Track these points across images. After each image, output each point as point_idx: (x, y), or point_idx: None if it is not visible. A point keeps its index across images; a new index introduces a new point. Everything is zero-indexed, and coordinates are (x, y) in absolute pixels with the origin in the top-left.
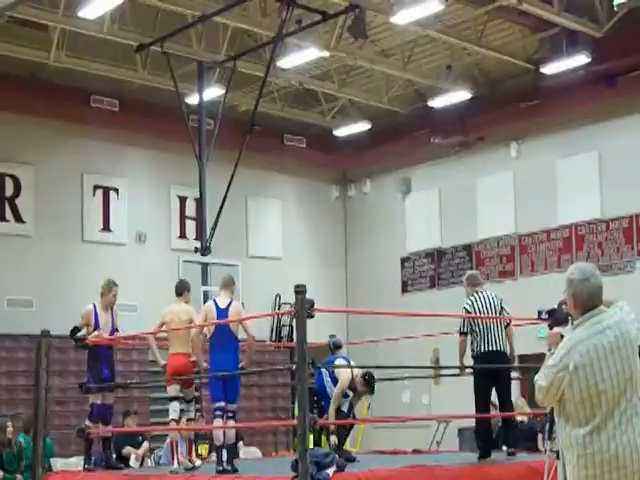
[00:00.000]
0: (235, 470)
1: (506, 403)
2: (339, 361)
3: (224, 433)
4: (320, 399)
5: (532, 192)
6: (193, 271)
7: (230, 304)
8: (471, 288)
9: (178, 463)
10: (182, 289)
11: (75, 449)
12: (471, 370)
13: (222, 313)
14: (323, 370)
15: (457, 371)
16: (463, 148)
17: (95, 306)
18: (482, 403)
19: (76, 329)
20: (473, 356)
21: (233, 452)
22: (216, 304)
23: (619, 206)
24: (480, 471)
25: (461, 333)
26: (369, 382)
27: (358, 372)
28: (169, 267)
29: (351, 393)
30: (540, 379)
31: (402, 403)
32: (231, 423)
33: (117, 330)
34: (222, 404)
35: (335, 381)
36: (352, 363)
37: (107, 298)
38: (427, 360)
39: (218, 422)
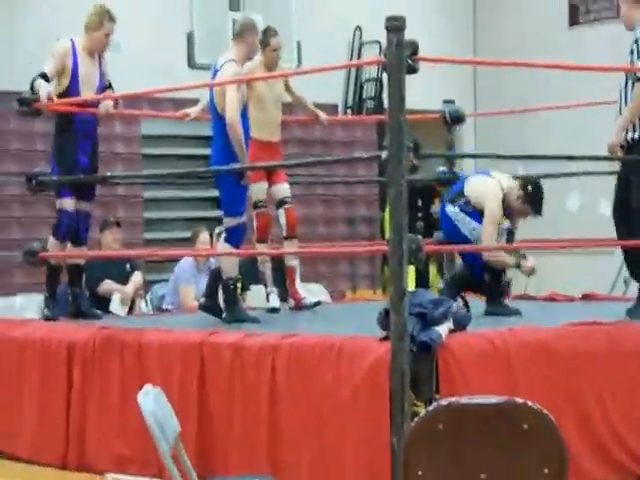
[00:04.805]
0: (236, 319)
1: None
2: (476, 179)
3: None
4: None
5: None
6: None
7: (223, 66)
8: (635, 6)
9: None
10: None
11: (20, 282)
12: None
13: (213, 78)
14: (449, 209)
15: None
16: None
17: (74, 45)
18: None
19: (43, 77)
20: None
21: (234, 294)
22: (215, 65)
23: None
24: None
25: None
26: (534, 195)
27: (511, 184)
28: None
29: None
30: None
31: (567, 214)
32: (222, 246)
33: (110, 87)
34: None
35: (476, 213)
36: (496, 175)
37: (96, 38)
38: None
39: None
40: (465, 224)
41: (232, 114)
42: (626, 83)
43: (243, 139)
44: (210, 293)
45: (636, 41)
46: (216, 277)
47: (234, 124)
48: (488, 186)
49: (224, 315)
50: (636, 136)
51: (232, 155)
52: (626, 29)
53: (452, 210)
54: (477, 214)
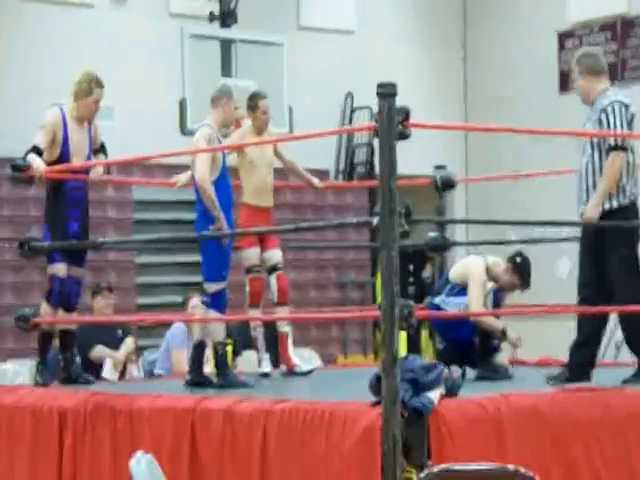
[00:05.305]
0: (227, 384)
1: None
2: (458, 264)
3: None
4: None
5: None
6: (207, 53)
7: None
8: (592, 79)
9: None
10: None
11: (12, 347)
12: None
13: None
14: (436, 300)
15: None
16: None
17: (64, 113)
18: None
19: (35, 149)
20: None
21: (224, 359)
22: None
23: None
24: None
25: (619, 147)
26: (522, 267)
27: (496, 260)
28: (167, 45)
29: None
30: None
31: (556, 280)
32: (207, 313)
33: (103, 149)
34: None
35: (462, 291)
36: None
37: (85, 105)
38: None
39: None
40: (452, 305)
41: (201, 174)
42: (592, 153)
43: (215, 198)
44: (194, 367)
45: (603, 111)
46: (199, 350)
47: (203, 184)
48: (470, 261)
49: (215, 381)
50: (614, 205)
51: (212, 218)
52: (584, 103)
53: (439, 300)
54: (463, 291)
